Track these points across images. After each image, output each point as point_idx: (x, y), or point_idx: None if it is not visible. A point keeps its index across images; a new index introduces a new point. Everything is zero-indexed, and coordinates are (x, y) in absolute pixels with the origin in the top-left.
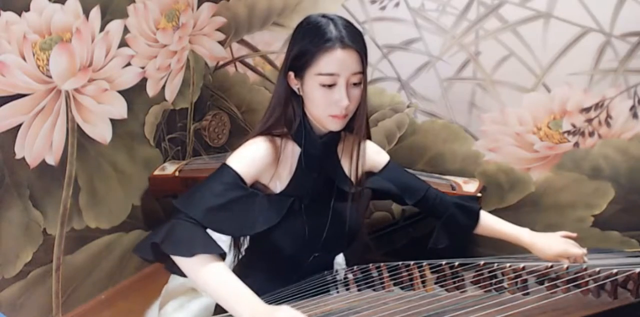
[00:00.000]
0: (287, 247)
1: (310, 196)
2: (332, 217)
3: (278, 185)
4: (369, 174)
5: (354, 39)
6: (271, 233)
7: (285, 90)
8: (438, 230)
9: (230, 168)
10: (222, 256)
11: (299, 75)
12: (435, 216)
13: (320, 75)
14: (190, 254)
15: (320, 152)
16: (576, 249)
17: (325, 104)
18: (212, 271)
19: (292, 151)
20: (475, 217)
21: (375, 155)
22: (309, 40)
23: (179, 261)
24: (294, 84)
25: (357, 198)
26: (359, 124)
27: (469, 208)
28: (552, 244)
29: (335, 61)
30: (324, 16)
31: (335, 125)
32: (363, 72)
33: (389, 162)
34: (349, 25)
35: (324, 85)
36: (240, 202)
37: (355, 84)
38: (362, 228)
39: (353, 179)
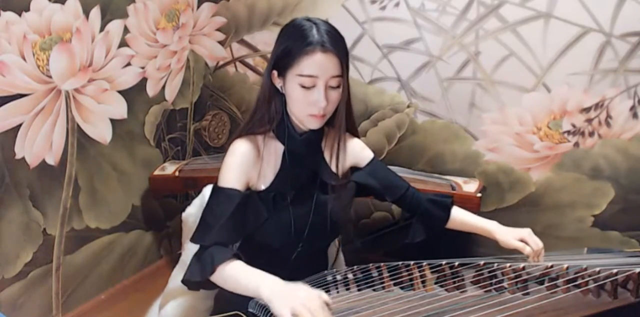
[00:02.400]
0: (275, 241)
1: (296, 190)
2: (314, 208)
3: (264, 182)
4: (354, 169)
5: (335, 44)
6: (260, 228)
7: (270, 88)
8: (414, 225)
9: (221, 188)
10: (237, 256)
11: (282, 74)
12: (411, 212)
13: (300, 76)
14: (211, 270)
15: (302, 149)
16: (528, 248)
17: (304, 103)
18: (231, 271)
19: (275, 148)
20: (447, 210)
21: (360, 151)
22: (292, 42)
23: (213, 280)
24: (277, 82)
25: (339, 190)
26: (339, 120)
27: (441, 202)
28: (512, 238)
29: (315, 64)
30: (308, 20)
31: (313, 124)
32: (342, 75)
33: (373, 158)
34: (331, 31)
35: (303, 86)
36: (240, 208)
37: (333, 87)
38: (346, 221)
39: (335, 171)
